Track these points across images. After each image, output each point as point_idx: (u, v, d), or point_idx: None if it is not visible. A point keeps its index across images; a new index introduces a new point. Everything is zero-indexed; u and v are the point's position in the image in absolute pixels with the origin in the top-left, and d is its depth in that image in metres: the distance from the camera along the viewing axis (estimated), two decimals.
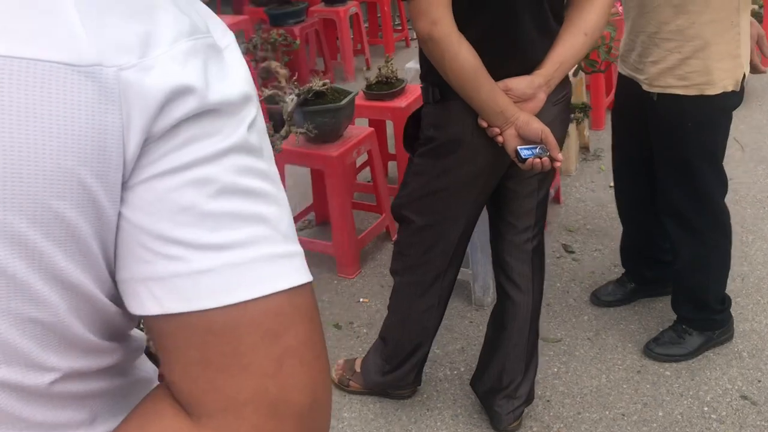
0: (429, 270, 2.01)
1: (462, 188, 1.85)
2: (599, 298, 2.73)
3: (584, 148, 3.95)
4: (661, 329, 2.53)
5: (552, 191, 3.38)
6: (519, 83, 1.68)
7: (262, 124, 0.56)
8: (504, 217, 2.00)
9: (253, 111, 0.54)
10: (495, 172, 1.84)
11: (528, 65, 1.71)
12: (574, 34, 1.71)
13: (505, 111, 1.65)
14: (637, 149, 2.35)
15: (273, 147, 2.76)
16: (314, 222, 3.43)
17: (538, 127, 1.67)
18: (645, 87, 2.17)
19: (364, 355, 2.38)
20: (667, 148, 2.20)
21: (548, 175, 1.92)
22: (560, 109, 1.83)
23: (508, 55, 1.68)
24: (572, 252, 3.08)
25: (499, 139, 1.69)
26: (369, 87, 3.26)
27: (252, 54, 4.63)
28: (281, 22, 4.94)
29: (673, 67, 2.08)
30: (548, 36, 1.71)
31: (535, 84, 1.69)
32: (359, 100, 3.20)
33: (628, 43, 2.22)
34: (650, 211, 2.42)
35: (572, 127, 3.62)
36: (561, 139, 1.88)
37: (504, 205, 1.98)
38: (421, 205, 1.91)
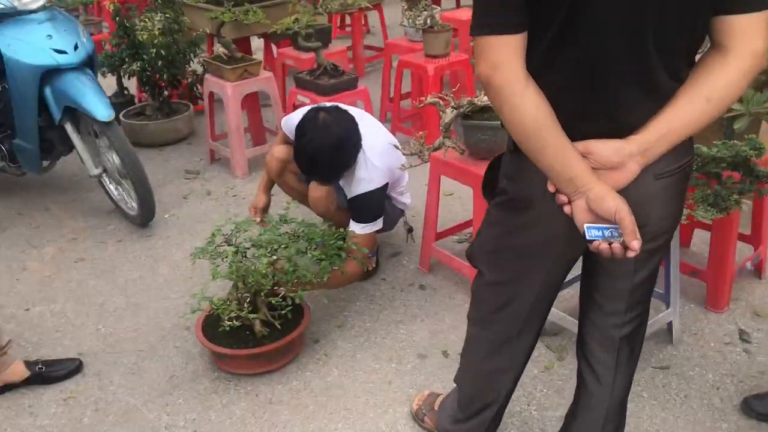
0: (499, 330, 1.79)
1: (533, 252, 1.60)
2: (752, 408, 2.24)
3: None
4: None
5: (749, 263, 2.84)
6: (604, 147, 1.38)
7: None
8: (590, 294, 1.71)
9: None
10: (573, 241, 1.55)
11: (621, 127, 1.38)
12: (693, 99, 1.36)
13: (576, 179, 1.37)
14: None
15: (420, 155, 2.69)
16: (472, 237, 3.27)
17: (612, 206, 1.35)
18: None
19: (446, 395, 2.22)
20: None
21: (656, 251, 1.59)
22: (666, 185, 1.47)
23: (592, 111, 1.38)
24: (747, 341, 2.56)
25: (567, 209, 1.42)
26: None
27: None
28: None
29: None
30: (656, 95, 1.37)
31: (625, 152, 1.38)
32: None
33: None
34: None
35: None
36: (665, 221, 1.52)
37: (592, 280, 1.69)
38: (491, 259, 1.70)
